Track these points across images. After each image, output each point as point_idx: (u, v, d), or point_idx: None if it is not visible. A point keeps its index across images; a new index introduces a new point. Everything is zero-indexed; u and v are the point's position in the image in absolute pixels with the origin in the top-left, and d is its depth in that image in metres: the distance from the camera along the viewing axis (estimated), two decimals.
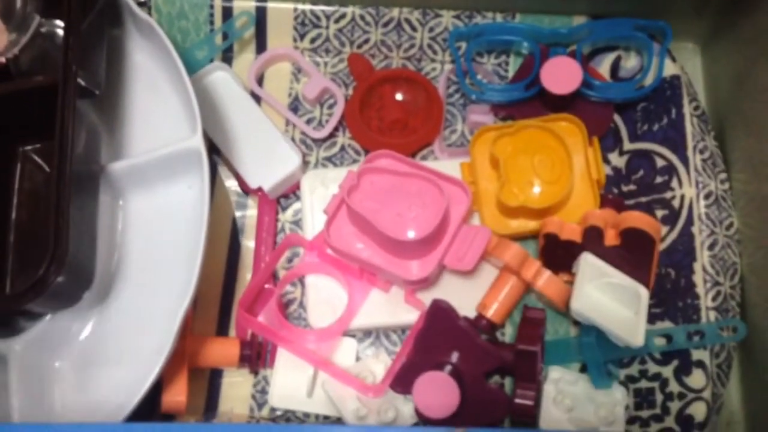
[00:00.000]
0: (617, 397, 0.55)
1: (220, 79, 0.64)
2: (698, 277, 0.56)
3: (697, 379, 0.54)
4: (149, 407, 0.52)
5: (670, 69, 0.62)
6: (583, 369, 0.58)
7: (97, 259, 0.52)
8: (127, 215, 0.55)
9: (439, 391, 0.52)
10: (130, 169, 0.54)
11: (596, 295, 0.54)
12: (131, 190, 0.55)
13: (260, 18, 0.65)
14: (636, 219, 0.56)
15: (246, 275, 0.61)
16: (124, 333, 0.53)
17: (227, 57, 0.66)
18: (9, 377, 0.50)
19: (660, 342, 0.55)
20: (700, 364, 0.55)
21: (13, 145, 0.55)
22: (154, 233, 0.55)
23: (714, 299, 0.56)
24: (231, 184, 0.63)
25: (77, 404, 0.51)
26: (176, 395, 0.53)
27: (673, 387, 0.55)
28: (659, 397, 0.55)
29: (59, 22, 0.53)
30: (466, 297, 0.58)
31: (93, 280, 0.51)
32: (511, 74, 0.66)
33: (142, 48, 0.58)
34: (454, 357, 0.54)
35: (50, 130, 0.48)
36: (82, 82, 0.51)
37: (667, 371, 0.55)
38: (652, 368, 0.56)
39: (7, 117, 0.53)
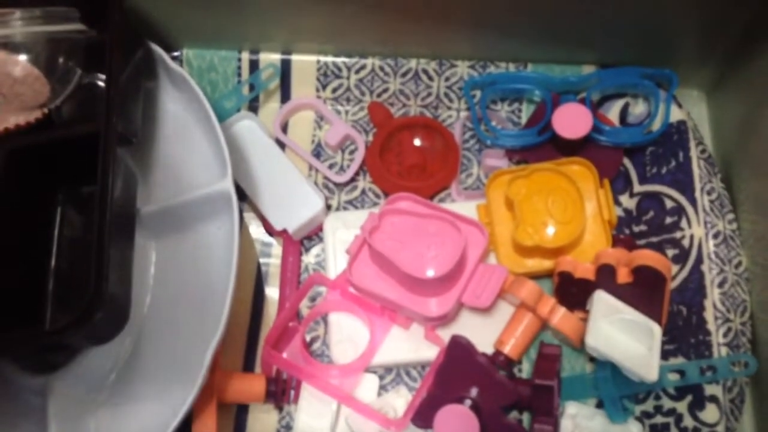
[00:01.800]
0: None
1: (247, 127, 0.67)
2: (709, 314, 0.58)
3: (711, 413, 0.56)
4: None
5: (676, 115, 0.65)
6: (600, 404, 0.59)
7: (132, 297, 0.54)
8: (160, 255, 0.58)
9: (459, 425, 0.54)
10: (163, 212, 0.57)
11: (610, 331, 0.56)
12: (164, 231, 0.58)
13: (285, 69, 0.69)
14: (647, 257, 0.58)
15: (271, 315, 0.64)
16: (156, 368, 0.55)
17: (253, 106, 0.70)
18: (48, 411, 0.52)
19: (674, 377, 0.57)
20: (714, 398, 0.56)
21: (54, 191, 0.58)
22: (185, 272, 0.57)
23: (725, 335, 0.57)
24: (255, 232, 0.66)
25: None
26: (206, 429, 0.54)
27: (688, 422, 0.56)
28: None
29: (99, 75, 0.57)
30: (484, 333, 0.59)
31: (128, 317, 0.53)
32: (524, 120, 0.69)
33: (175, 98, 0.61)
34: (473, 392, 0.56)
35: (89, 177, 0.51)
36: (121, 131, 0.54)
37: (682, 406, 0.57)
38: (667, 403, 0.58)
39: (50, 164, 0.56)
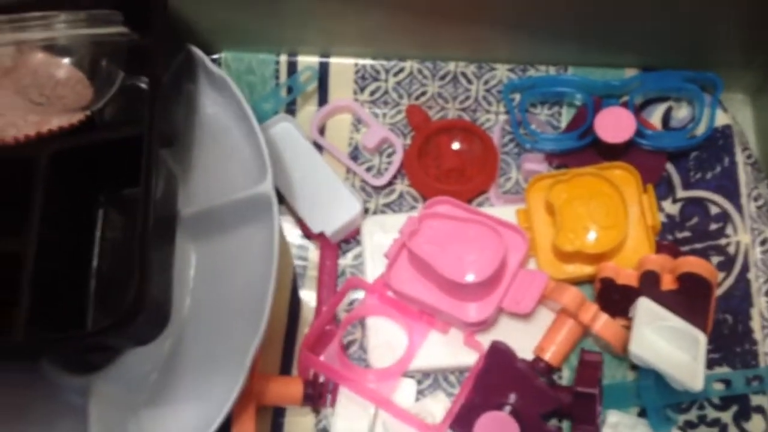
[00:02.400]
0: None
1: (285, 130, 0.67)
2: (756, 323, 0.56)
3: (756, 424, 0.55)
4: None
5: (721, 119, 0.64)
6: (642, 414, 0.58)
7: (172, 300, 0.54)
8: (199, 258, 0.58)
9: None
10: (203, 215, 0.57)
11: (654, 339, 0.55)
12: (204, 234, 0.58)
13: (323, 72, 0.69)
14: (693, 264, 0.57)
15: (307, 320, 0.63)
16: (195, 371, 0.55)
17: (291, 109, 0.70)
18: (89, 410, 0.52)
19: (719, 387, 0.56)
20: (760, 409, 0.55)
21: (96, 193, 0.58)
22: (224, 275, 0.57)
23: None
24: (290, 234, 0.66)
25: None
26: None
27: None
28: None
29: (142, 77, 0.57)
30: (524, 340, 0.59)
31: (169, 318, 0.54)
32: (563, 124, 0.68)
33: (215, 101, 0.61)
34: (513, 398, 0.55)
35: (132, 180, 0.52)
36: (163, 133, 0.54)
37: (727, 417, 0.56)
38: (711, 414, 0.56)
39: (92, 166, 0.56)
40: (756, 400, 0.55)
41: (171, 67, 0.60)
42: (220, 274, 0.57)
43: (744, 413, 0.55)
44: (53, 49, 0.56)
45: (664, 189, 0.64)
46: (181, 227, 0.57)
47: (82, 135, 0.55)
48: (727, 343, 0.57)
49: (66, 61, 0.56)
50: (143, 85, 0.57)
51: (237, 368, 0.51)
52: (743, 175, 0.61)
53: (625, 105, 0.64)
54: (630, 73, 0.67)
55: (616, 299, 0.58)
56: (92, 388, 0.53)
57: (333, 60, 0.69)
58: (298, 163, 0.66)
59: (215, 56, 0.69)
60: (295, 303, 0.64)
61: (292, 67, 0.69)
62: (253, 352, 0.51)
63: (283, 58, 0.69)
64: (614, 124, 0.62)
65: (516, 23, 0.64)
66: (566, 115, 0.68)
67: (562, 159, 0.66)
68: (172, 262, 0.55)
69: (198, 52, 0.61)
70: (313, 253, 0.65)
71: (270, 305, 0.52)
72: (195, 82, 0.62)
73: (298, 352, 0.61)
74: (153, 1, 0.56)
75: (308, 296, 0.64)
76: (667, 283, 0.57)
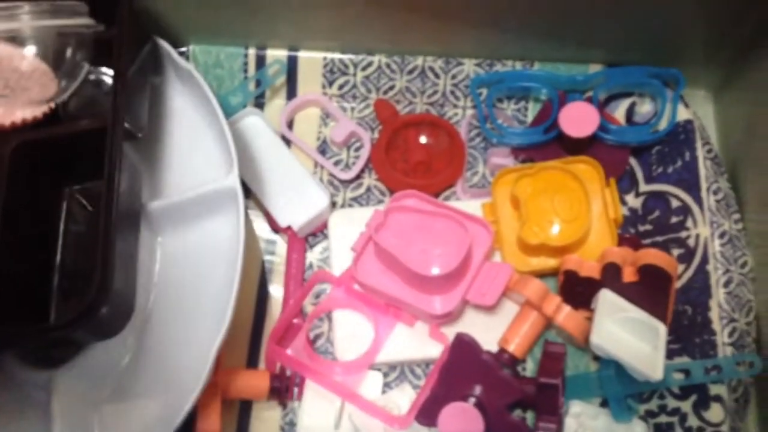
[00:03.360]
0: None
1: (253, 123, 0.67)
2: (714, 314, 0.58)
3: (715, 413, 0.56)
4: None
5: (683, 114, 0.65)
6: (604, 403, 0.59)
7: (137, 293, 0.54)
8: (165, 251, 0.58)
9: (463, 423, 0.54)
10: (168, 208, 0.57)
11: (615, 330, 0.56)
12: (169, 227, 0.58)
13: (291, 66, 0.69)
14: (653, 256, 0.58)
15: (274, 312, 0.64)
16: (160, 364, 0.55)
17: (259, 103, 0.69)
18: (53, 405, 0.52)
19: (678, 376, 0.57)
20: (718, 398, 0.56)
21: (60, 185, 0.58)
22: (190, 268, 0.57)
23: (730, 335, 0.57)
24: (259, 228, 0.66)
25: None
26: (210, 425, 0.54)
27: (693, 421, 0.56)
28: None
29: (107, 70, 0.57)
30: (489, 332, 0.59)
31: (133, 312, 0.53)
32: (530, 119, 0.69)
33: (182, 93, 0.61)
34: (478, 390, 0.56)
35: (96, 172, 0.52)
36: (127, 126, 0.54)
37: (686, 406, 0.57)
38: (671, 403, 0.57)
39: (56, 159, 0.56)
40: (714, 389, 0.56)
41: (137, 60, 0.60)
42: (185, 267, 0.57)
43: (703, 402, 0.56)
44: (17, 40, 0.55)
45: (627, 183, 0.65)
46: (146, 220, 0.57)
47: (46, 128, 0.55)
48: (687, 334, 0.58)
49: (30, 52, 0.55)
50: (108, 78, 0.57)
51: (201, 362, 0.51)
52: (703, 169, 0.62)
53: (590, 100, 0.65)
54: (594, 68, 0.68)
55: (578, 291, 0.59)
56: (56, 383, 0.53)
57: (302, 54, 0.69)
58: (266, 157, 0.66)
59: (183, 49, 0.68)
60: (262, 297, 0.64)
61: (260, 61, 0.69)
62: (217, 346, 0.51)
63: (252, 52, 0.69)
64: (578, 119, 0.63)
65: (483, 18, 0.65)
66: (532, 110, 0.69)
67: (528, 153, 0.66)
68: (137, 255, 0.54)
69: (165, 44, 0.61)
70: (282, 247, 0.65)
71: (235, 299, 0.52)
72: (161, 74, 0.62)
73: (265, 345, 0.61)
74: None
75: (276, 291, 0.64)
76: (629, 275, 0.58)
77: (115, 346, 0.55)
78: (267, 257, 0.65)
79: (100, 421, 0.54)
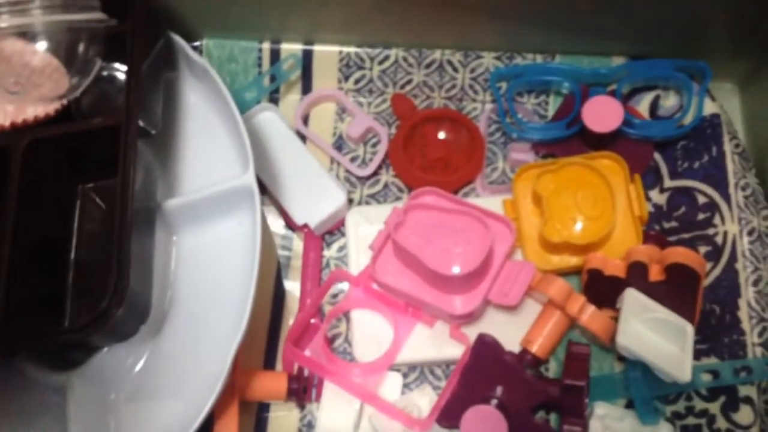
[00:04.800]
0: None
1: (268, 119, 0.66)
2: (743, 313, 0.56)
3: (745, 415, 0.54)
4: None
5: (709, 108, 0.63)
6: (629, 405, 0.58)
7: (153, 294, 0.53)
8: (180, 251, 0.56)
9: (486, 425, 0.52)
10: (184, 207, 0.56)
11: (642, 330, 0.54)
12: (185, 226, 0.56)
13: (306, 60, 0.68)
14: (680, 254, 0.56)
15: (291, 312, 0.63)
16: (177, 366, 0.54)
17: (274, 98, 0.68)
18: (68, 408, 0.51)
19: (707, 378, 0.55)
20: (748, 400, 0.54)
21: (73, 183, 0.57)
22: (206, 268, 0.56)
23: (760, 335, 0.56)
24: (275, 225, 0.65)
25: None
26: (227, 428, 0.53)
27: (721, 424, 0.55)
28: None
29: (119, 66, 0.56)
30: (511, 332, 0.58)
31: (149, 314, 0.52)
32: (551, 113, 0.67)
33: (196, 89, 0.60)
34: (500, 391, 0.55)
35: (109, 169, 0.50)
36: (141, 123, 0.53)
37: (715, 407, 0.55)
38: (699, 405, 0.56)
39: (69, 156, 0.55)
40: (744, 390, 0.55)
41: (150, 55, 0.58)
42: (201, 267, 0.56)
43: (732, 404, 0.55)
44: (28, 35, 0.54)
45: (651, 178, 0.64)
46: (161, 218, 0.55)
47: (58, 125, 0.54)
48: (715, 334, 0.57)
49: (41, 48, 0.54)
50: (121, 74, 0.56)
51: (219, 364, 0.50)
52: (731, 164, 0.60)
53: (613, 94, 0.63)
54: (617, 61, 0.66)
55: (603, 290, 0.57)
56: (70, 385, 0.52)
57: (317, 48, 0.68)
58: (281, 154, 0.65)
59: (196, 43, 0.67)
60: (279, 294, 0.63)
61: (275, 55, 0.68)
62: (235, 348, 0.50)
63: (266, 46, 0.68)
64: (602, 114, 0.61)
65: (503, 10, 0.63)
66: (553, 104, 0.67)
67: (549, 148, 0.65)
68: (152, 255, 0.53)
69: (178, 39, 0.60)
70: (298, 243, 0.64)
71: (253, 300, 0.51)
72: (175, 70, 0.60)
73: (283, 345, 0.60)
74: None
75: (293, 287, 0.63)
76: (655, 274, 0.57)
77: (131, 348, 0.53)
78: (283, 253, 0.64)
79: (117, 424, 0.53)
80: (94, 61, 0.55)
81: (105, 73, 0.56)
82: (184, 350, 0.54)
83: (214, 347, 0.52)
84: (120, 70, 0.56)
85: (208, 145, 0.59)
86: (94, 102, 0.56)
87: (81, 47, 0.55)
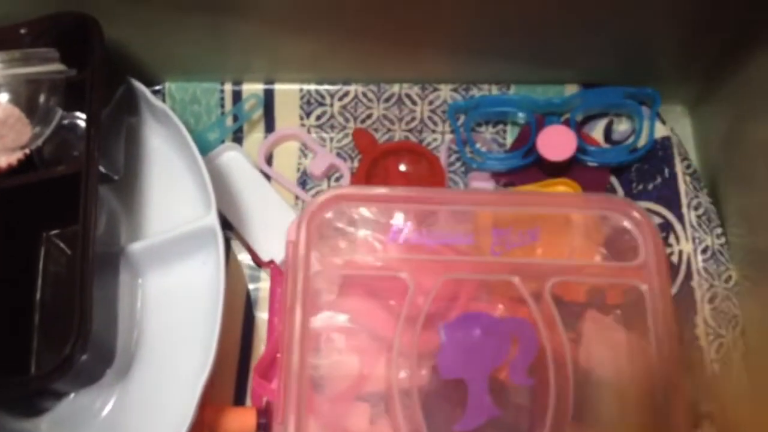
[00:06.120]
0: None
1: (232, 158, 0.67)
2: (700, 330, 0.57)
3: (706, 431, 0.55)
4: None
5: (660, 131, 0.65)
6: None
7: (118, 336, 0.54)
8: (146, 293, 0.57)
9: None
10: (148, 249, 0.57)
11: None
12: (150, 268, 0.57)
13: (268, 99, 0.69)
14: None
15: (261, 344, 0.63)
16: (145, 407, 0.54)
17: (238, 137, 0.70)
18: None
19: None
20: (708, 415, 0.56)
21: (37, 230, 0.58)
22: (172, 309, 0.57)
23: (717, 351, 0.57)
24: (244, 257, 0.66)
25: None
26: None
27: None
28: None
29: (80, 114, 0.57)
30: None
31: (114, 357, 0.53)
32: (509, 141, 0.69)
33: (158, 133, 0.61)
34: None
35: (73, 216, 0.51)
36: (103, 169, 0.54)
37: None
38: None
39: (32, 205, 0.56)
40: (704, 406, 0.56)
41: (111, 102, 0.60)
42: (167, 308, 0.57)
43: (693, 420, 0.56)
44: None
45: None
46: (126, 262, 0.56)
47: (21, 175, 0.55)
48: None
49: (3, 99, 0.55)
50: (82, 122, 0.57)
51: (187, 402, 0.51)
52: (683, 185, 0.62)
53: (568, 122, 0.65)
54: (571, 89, 0.68)
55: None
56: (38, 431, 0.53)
57: (277, 86, 0.69)
58: (246, 192, 0.66)
59: (158, 87, 0.68)
60: (248, 327, 0.64)
61: (237, 96, 0.69)
62: (202, 385, 0.51)
63: (228, 87, 0.69)
64: (556, 143, 0.63)
65: (457, 44, 0.65)
66: (511, 133, 0.69)
67: (508, 177, 0.66)
68: (117, 298, 0.54)
69: (139, 85, 0.61)
70: (268, 274, 0.65)
71: (218, 337, 0.52)
72: (137, 114, 0.62)
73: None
74: (90, 38, 0.56)
75: (264, 318, 0.64)
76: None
77: (98, 392, 0.54)
78: (253, 285, 0.65)
79: None
80: (55, 111, 0.56)
81: (66, 121, 0.57)
82: (152, 391, 0.55)
83: (182, 386, 0.52)
84: (81, 118, 0.57)
85: (171, 187, 0.60)
86: (56, 150, 0.57)
87: (42, 98, 0.56)
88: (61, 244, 0.58)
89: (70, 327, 0.48)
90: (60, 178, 0.53)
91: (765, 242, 0.58)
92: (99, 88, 0.54)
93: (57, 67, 0.55)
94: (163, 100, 0.67)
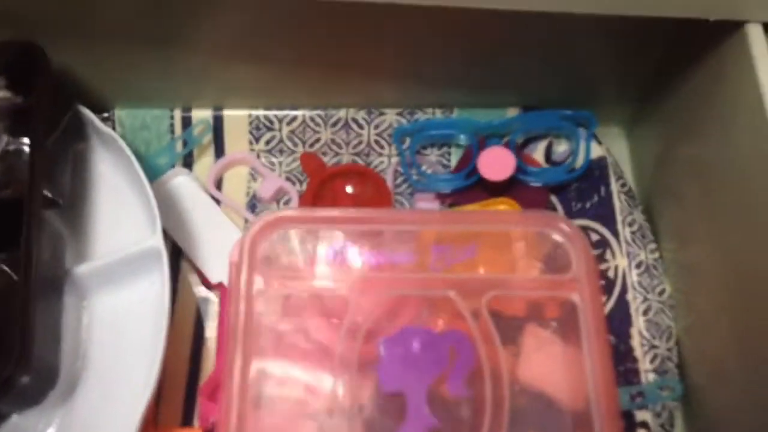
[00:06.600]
0: None
1: (182, 183, 0.68)
2: (635, 342, 0.59)
3: None
4: None
5: (596, 151, 0.67)
6: None
7: (62, 358, 0.54)
8: (92, 314, 0.58)
9: None
10: (93, 271, 0.57)
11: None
12: (95, 290, 0.58)
13: (217, 125, 0.71)
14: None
15: (210, 363, 0.64)
16: (88, 429, 0.55)
17: (188, 162, 0.71)
18: None
19: None
20: (644, 424, 0.57)
21: None
22: (118, 330, 0.57)
23: (651, 361, 0.59)
24: (195, 278, 0.67)
25: None
26: None
27: None
28: None
29: (26, 140, 0.58)
30: None
31: (57, 378, 0.53)
32: (453, 163, 0.71)
33: (105, 158, 0.62)
34: None
35: (17, 240, 0.52)
36: (48, 194, 0.55)
37: None
38: None
39: None
40: (640, 415, 0.58)
41: (58, 128, 0.61)
42: (113, 329, 0.58)
43: (629, 429, 0.57)
44: None
45: None
46: (71, 285, 0.57)
47: None
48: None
49: None
50: (27, 148, 0.58)
51: (130, 423, 0.51)
52: (618, 202, 0.64)
53: (508, 144, 0.67)
54: (512, 112, 0.71)
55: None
56: None
57: (226, 112, 0.71)
58: (195, 215, 0.67)
59: (108, 113, 0.69)
60: (198, 348, 0.64)
61: (186, 122, 0.70)
62: (143, 407, 0.51)
63: (177, 113, 0.70)
64: (496, 163, 0.65)
65: (402, 71, 0.67)
66: (456, 155, 0.71)
67: (453, 197, 0.68)
68: (60, 320, 0.55)
69: (87, 111, 0.62)
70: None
71: (161, 359, 0.52)
72: (85, 140, 0.63)
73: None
74: (37, 65, 0.57)
75: (213, 341, 0.64)
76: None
77: (41, 413, 0.54)
78: (203, 304, 0.66)
79: None
80: (1, 137, 0.57)
81: (12, 147, 0.58)
82: (95, 413, 0.55)
83: (126, 407, 0.53)
84: (26, 144, 0.58)
85: (118, 210, 0.61)
86: (1, 175, 0.57)
87: None
88: (6, 269, 0.58)
89: (11, 351, 0.48)
90: (4, 203, 0.54)
91: (696, 256, 0.60)
92: (44, 115, 0.55)
93: (2, 94, 0.56)
94: (113, 127, 0.68)
